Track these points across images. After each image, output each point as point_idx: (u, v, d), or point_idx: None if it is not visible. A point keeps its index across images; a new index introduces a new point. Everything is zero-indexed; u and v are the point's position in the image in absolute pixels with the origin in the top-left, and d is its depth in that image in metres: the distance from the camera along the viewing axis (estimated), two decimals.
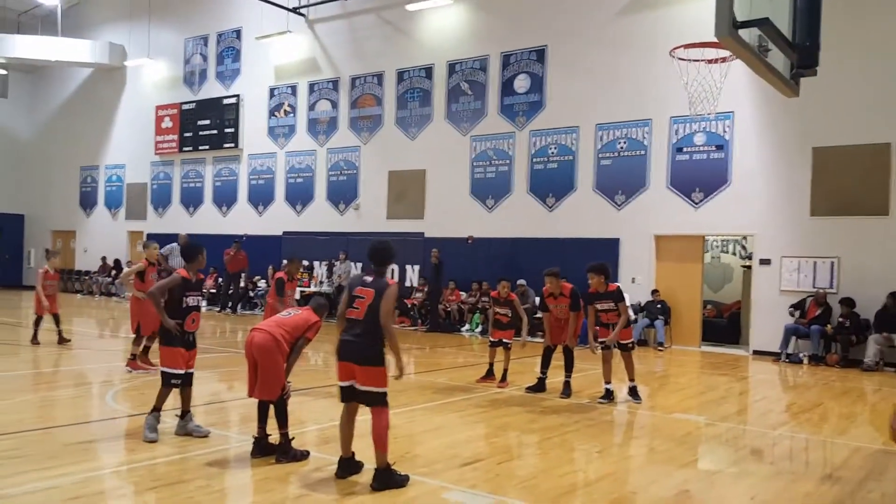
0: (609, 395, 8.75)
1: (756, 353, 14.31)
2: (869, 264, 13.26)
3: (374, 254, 5.48)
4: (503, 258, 16.83)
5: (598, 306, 8.77)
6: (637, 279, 15.63)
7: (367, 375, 5.17)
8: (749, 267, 15.45)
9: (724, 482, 5.77)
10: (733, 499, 5.32)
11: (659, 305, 15.20)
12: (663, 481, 5.66)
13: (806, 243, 13.98)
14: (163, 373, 6.31)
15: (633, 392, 8.89)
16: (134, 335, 9.94)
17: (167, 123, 24.82)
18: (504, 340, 9.81)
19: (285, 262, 9.83)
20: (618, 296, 8.76)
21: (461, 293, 17.48)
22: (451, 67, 18.67)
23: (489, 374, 9.91)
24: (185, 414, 6.44)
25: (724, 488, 5.58)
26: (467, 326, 16.99)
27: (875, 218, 13.26)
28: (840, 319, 13.20)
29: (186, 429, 6.40)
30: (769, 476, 5.94)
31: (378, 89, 20.01)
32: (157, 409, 6.27)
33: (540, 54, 17.26)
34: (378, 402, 5.20)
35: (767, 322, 14.16)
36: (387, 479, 5.13)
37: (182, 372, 6.28)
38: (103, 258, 25.96)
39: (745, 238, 16.84)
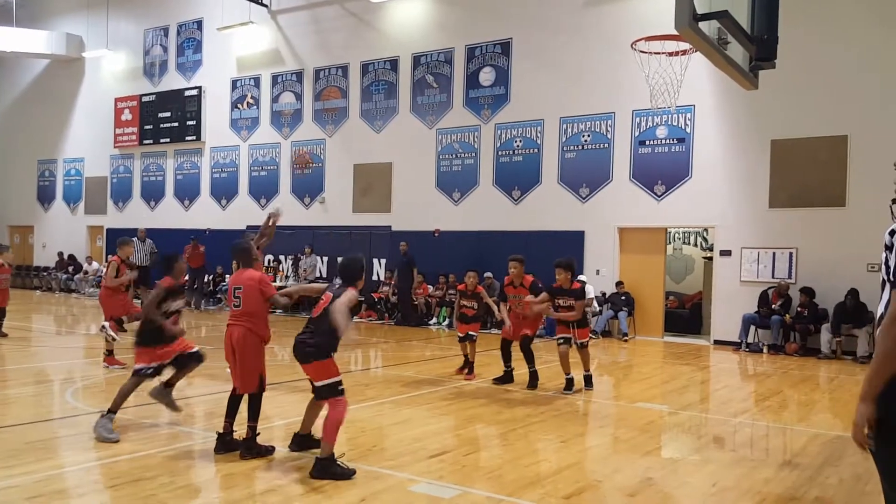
0: (570, 385, 8.81)
1: (717, 342, 14.56)
2: (826, 255, 13.54)
3: (341, 269, 5.60)
4: (469, 251, 16.86)
5: (560, 302, 8.80)
6: (601, 271, 15.79)
7: (312, 371, 5.33)
8: (710, 258, 15.69)
9: (687, 469, 5.86)
10: (695, 485, 5.41)
11: (623, 297, 15.36)
12: (627, 469, 5.74)
13: (765, 234, 14.24)
14: (137, 370, 6.25)
15: (588, 380, 9.03)
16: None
17: (127, 116, 24.38)
18: (470, 333, 9.77)
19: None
20: (579, 294, 8.80)
21: (428, 287, 17.48)
22: (416, 60, 18.62)
23: (466, 365, 9.85)
24: (171, 384, 6.46)
25: (687, 475, 5.67)
26: (435, 320, 17.00)
27: (832, 209, 13.55)
28: (798, 309, 13.48)
29: (165, 396, 6.38)
30: (730, 463, 6.05)
31: (343, 81, 19.88)
32: (112, 411, 6.15)
33: (505, 47, 17.30)
34: (329, 394, 5.29)
35: (728, 312, 14.41)
36: (327, 468, 5.14)
37: (156, 364, 6.27)
38: (60, 253, 25.43)
39: (706, 230, 17.10)
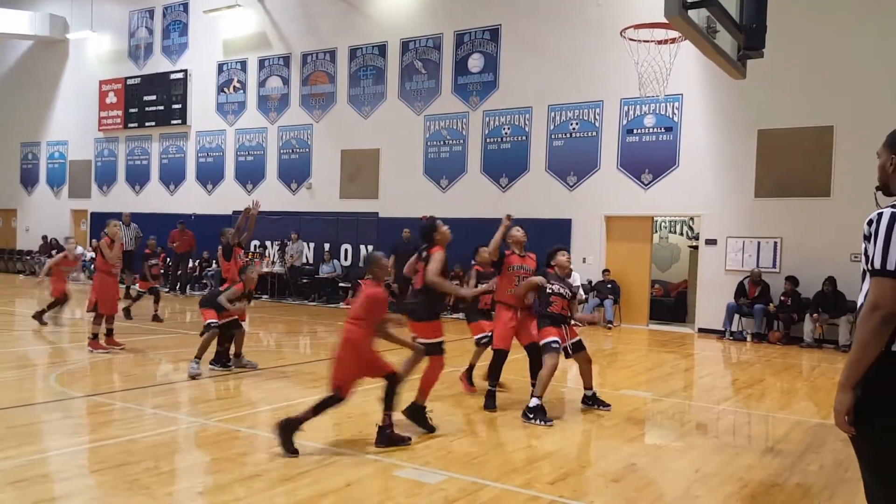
0: (598, 402, 7.44)
1: (701, 330, 14.65)
2: (810, 244, 13.64)
3: (421, 233, 6.71)
4: (457, 239, 16.69)
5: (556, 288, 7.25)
6: (588, 259, 15.82)
7: (414, 329, 6.32)
8: (696, 247, 15.77)
9: (670, 456, 5.91)
10: (678, 472, 5.45)
11: (609, 285, 15.42)
12: (611, 456, 5.78)
13: (750, 224, 14.31)
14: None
15: (593, 400, 7.55)
16: (92, 313, 9.80)
17: (111, 99, 24.12)
18: (489, 334, 7.93)
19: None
20: (574, 288, 7.63)
21: None
22: (405, 45, 18.52)
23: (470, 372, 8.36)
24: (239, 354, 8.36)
25: (670, 462, 5.72)
26: None
27: (817, 199, 13.63)
28: (782, 298, 13.59)
29: (242, 363, 8.41)
30: (713, 449, 6.10)
31: (330, 66, 19.75)
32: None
33: (494, 34, 17.23)
34: (430, 352, 6.22)
35: (713, 301, 14.49)
36: (416, 415, 6.24)
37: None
38: (44, 237, 25.19)
39: (692, 219, 17.17)
